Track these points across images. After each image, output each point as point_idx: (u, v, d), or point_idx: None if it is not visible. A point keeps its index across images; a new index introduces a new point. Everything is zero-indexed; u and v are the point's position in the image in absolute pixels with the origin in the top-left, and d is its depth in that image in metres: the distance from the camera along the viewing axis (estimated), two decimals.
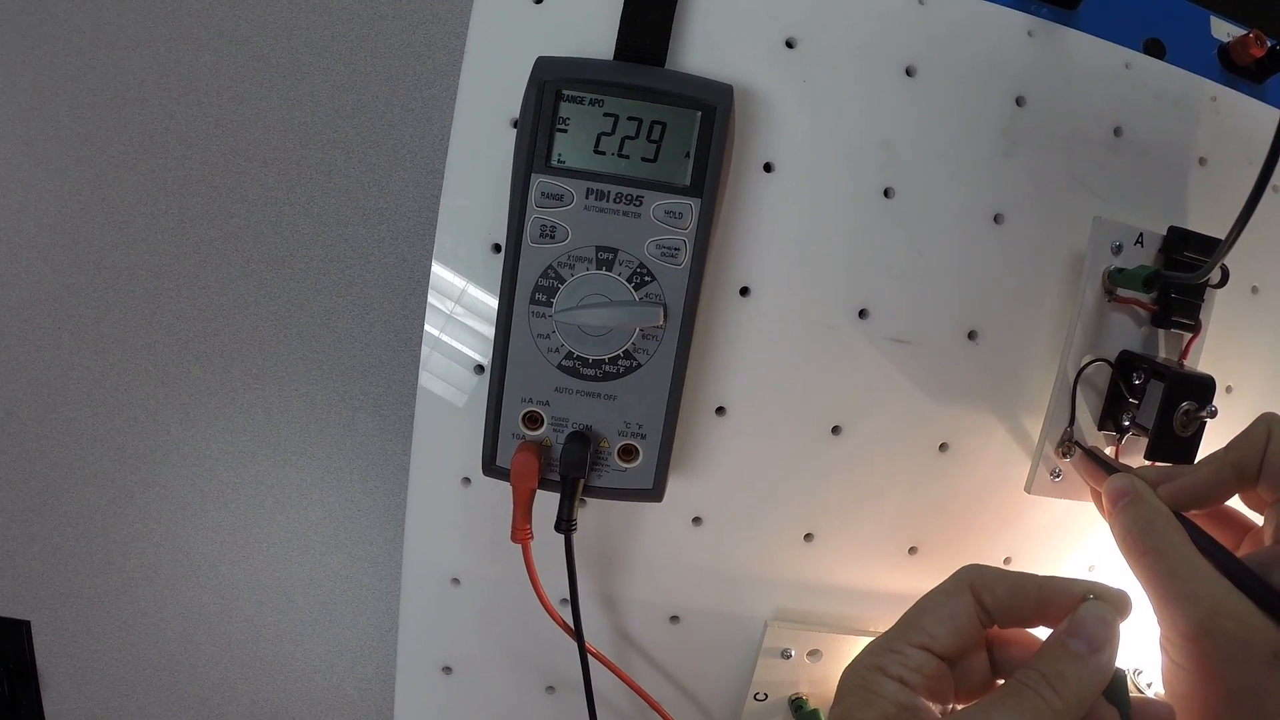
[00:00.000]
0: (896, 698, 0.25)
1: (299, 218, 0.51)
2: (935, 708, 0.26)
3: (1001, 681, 0.28)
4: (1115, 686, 0.25)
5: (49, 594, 0.58)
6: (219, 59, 0.51)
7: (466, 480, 0.38)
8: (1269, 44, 0.42)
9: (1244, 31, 0.42)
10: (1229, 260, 0.39)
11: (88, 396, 0.54)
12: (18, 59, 0.51)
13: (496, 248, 0.36)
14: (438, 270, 0.37)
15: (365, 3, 0.51)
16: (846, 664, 0.27)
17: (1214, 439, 0.32)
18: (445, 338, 0.37)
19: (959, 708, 0.27)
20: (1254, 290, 0.43)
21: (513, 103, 0.33)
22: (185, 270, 0.52)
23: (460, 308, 0.37)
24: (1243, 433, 0.31)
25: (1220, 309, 0.41)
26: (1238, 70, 0.43)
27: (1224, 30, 0.44)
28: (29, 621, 0.58)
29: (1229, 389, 0.43)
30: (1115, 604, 0.26)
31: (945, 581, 0.28)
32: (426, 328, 0.37)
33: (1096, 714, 0.25)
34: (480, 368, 0.37)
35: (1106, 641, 0.25)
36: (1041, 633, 0.27)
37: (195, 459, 0.55)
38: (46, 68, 0.51)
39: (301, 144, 0.51)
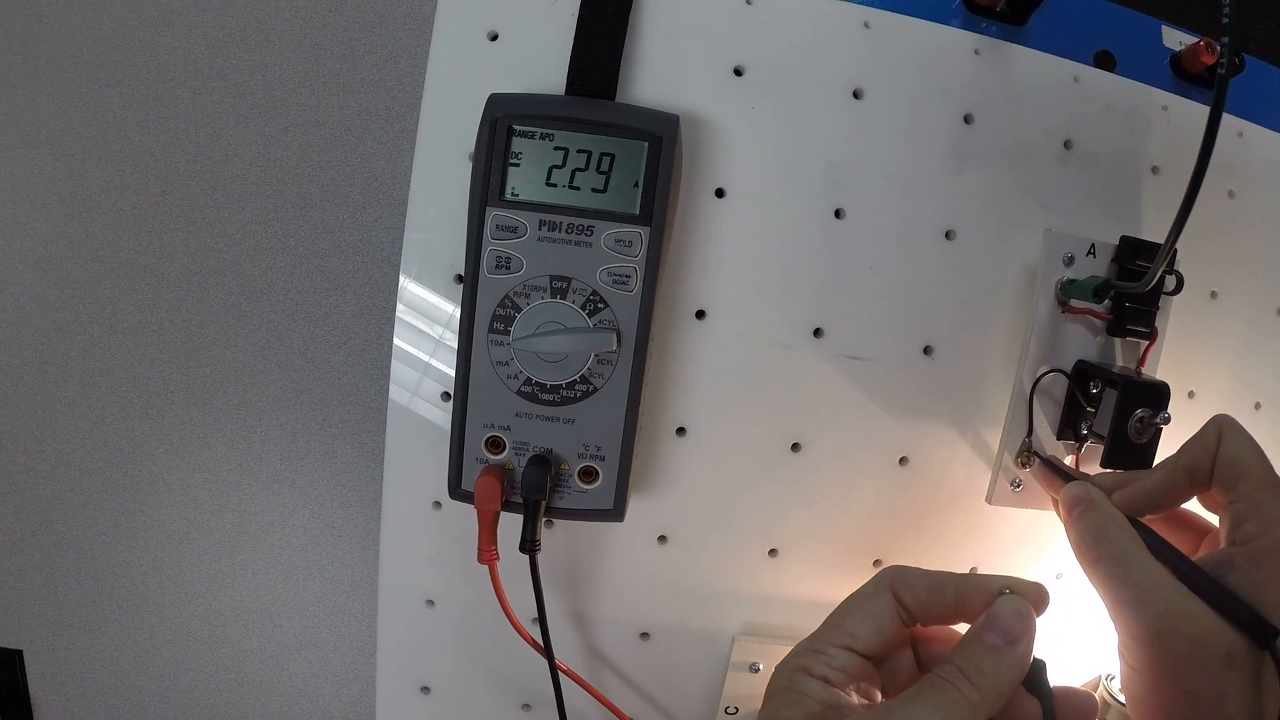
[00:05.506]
0: (821, 696, 0.26)
1: (276, 251, 0.53)
2: (862, 704, 0.26)
3: None
4: (1034, 677, 0.25)
5: (41, 624, 0.59)
6: (196, 96, 0.52)
7: (437, 504, 0.39)
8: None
9: (1195, 39, 0.43)
10: (1185, 267, 0.40)
11: (75, 429, 0.55)
12: (0, 98, 0.53)
13: (459, 278, 0.37)
14: (403, 302, 0.37)
15: (338, 39, 0.52)
16: None
17: (1178, 443, 0.32)
18: (413, 367, 0.38)
19: None
20: (1213, 295, 0.43)
21: (470, 138, 0.34)
22: (167, 304, 0.54)
23: (427, 338, 0.38)
24: (1194, 436, 0.31)
25: (1179, 315, 0.41)
26: (1190, 78, 0.43)
27: (1176, 39, 0.44)
28: (21, 651, 0.60)
29: (1191, 394, 0.44)
30: (1031, 597, 0.26)
31: (867, 583, 0.28)
32: (394, 358, 0.38)
33: (1017, 705, 0.25)
34: (447, 395, 0.38)
35: (1022, 634, 0.25)
36: (964, 629, 0.27)
37: (180, 489, 0.56)
38: (29, 107, 0.53)
39: (278, 179, 0.52)
